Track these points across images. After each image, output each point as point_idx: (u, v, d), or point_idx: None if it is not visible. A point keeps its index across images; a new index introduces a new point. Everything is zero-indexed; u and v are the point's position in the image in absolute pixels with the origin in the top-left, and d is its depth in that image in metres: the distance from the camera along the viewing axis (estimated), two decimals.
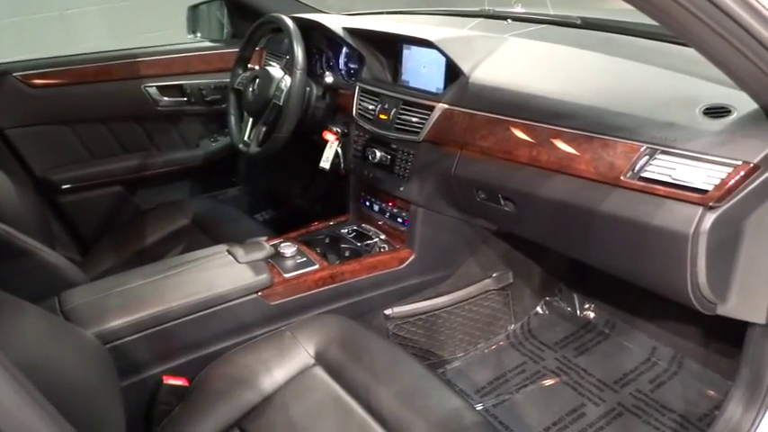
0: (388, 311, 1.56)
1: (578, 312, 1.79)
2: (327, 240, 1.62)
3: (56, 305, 1.22)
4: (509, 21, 1.70)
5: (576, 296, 1.81)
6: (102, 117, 1.98)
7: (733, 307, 1.12)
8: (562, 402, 1.52)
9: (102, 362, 1.08)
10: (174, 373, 1.26)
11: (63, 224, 1.99)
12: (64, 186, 1.95)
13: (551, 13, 1.65)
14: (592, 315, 1.78)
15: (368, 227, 1.69)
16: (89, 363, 1.04)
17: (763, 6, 0.79)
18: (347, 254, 1.56)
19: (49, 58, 1.90)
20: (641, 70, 1.21)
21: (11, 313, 0.93)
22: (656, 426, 1.43)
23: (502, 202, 1.31)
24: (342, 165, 1.71)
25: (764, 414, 1.15)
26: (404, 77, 1.60)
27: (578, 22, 1.56)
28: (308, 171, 2.15)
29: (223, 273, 1.35)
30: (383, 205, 1.65)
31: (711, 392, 1.49)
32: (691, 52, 0.88)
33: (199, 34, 2.27)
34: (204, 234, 1.78)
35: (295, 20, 1.69)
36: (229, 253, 1.41)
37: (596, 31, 1.49)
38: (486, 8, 1.80)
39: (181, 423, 1.15)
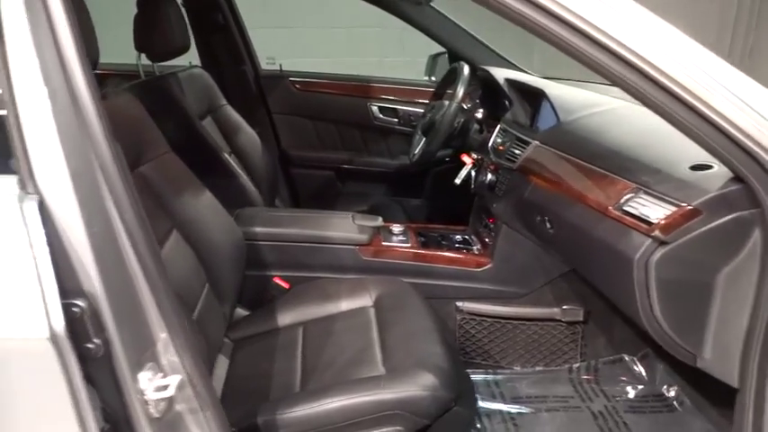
0: (459, 304, 1.86)
1: (653, 381, 1.79)
2: (438, 237, 2.00)
3: (234, 212, 1.88)
4: None
5: (660, 367, 1.80)
6: (334, 119, 2.71)
7: (710, 362, 1.18)
8: None
9: (238, 248, 1.67)
10: (283, 279, 1.80)
11: (288, 186, 2.75)
12: (296, 161, 2.73)
13: None
14: (668, 389, 1.76)
15: (475, 238, 2.02)
16: (230, 244, 1.64)
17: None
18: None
19: (310, 72, 2.71)
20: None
21: (193, 192, 1.58)
22: None
23: (548, 225, 1.53)
24: (473, 185, 2.07)
25: None
26: (538, 124, 1.91)
27: None
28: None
29: (338, 225, 1.86)
30: (488, 221, 1.96)
31: None
32: None
33: (433, 78, 2.86)
34: None
35: (473, 68, 2.13)
36: (352, 217, 1.91)
37: None
38: None
39: (273, 310, 1.67)
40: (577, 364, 1.86)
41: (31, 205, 0.79)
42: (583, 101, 1.73)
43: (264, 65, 2.76)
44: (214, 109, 2.25)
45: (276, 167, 2.56)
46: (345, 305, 1.65)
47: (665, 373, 1.79)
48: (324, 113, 2.72)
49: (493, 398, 1.76)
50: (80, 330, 0.80)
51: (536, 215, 1.59)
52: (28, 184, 0.80)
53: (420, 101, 2.70)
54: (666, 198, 1.11)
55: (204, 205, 1.59)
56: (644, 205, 1.16)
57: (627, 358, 1.86)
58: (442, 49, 2.69)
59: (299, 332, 1.58)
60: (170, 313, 0.94)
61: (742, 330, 1.10)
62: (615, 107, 1.66)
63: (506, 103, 2.11)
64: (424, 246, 1.91)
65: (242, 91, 2.57)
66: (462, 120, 2.10)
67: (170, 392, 0.92)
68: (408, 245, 1.86)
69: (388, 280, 1.71)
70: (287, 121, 2.72)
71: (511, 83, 2.03)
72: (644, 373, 1.82)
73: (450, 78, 2.30)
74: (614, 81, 1.01)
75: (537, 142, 1.67)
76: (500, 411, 1.70)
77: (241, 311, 1.77)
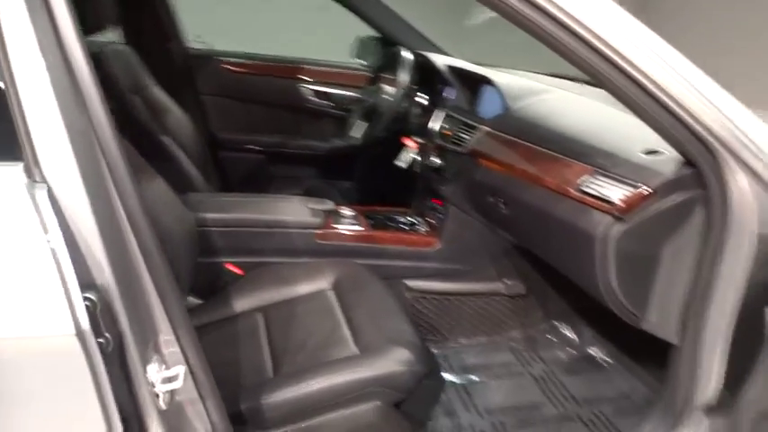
0: (408, 282, 1.93)
1: (583, 345, 1.97)
2: (382, 219, 2.05)
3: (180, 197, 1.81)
4: (582, 84, 2.03)
5: (585, 330, 1.99)
6: (265, 101, 2.66)
7: (653, 324, 1.33)
8: (527, 396, 1.75)
9: (191, 234, 1.62)
10: (236, 265, 1.77)
11: (218, 170, 2.67)
12: (225, 145, 2.65)
13: None
14: (594, 350, 1.95)
15: (420, 219, 2.09)
16: (184, 231, 1.58)
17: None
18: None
19: (241, 53, 2.64)
20: (628, 119, 1.47)
21: (146, 178, 1.51)
22: None
23: (501, 205, 1.64)
24: (416, 167, 2.14)
25: None
26: (478, 108, 2.00)
27: None
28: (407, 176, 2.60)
29: (290, 209, 1.86)
30: (433, 203, 2.04)
31: None
32: None
33: (361, 61, 2.87)
34: None
35: (414, 55, 2.18)
36: (301, 200, 1.91)
37: None
38: (568, 73, 2.14)
39: (228, 297, 1.65)
40: (516, 334, 2.01)
41: (42, 194, 0.74)
42: (528, 88, 1.84)
43: (192, 43, 2.63)
44: (141, 88, 2.13)
45: (202, 149, 2.47)
46: (303, 289, 1.66)
47: (592, 337, 1.98)
48: (255, 95, 2.66)
49: (443, 370, 1.86)
50: (92, 325, 0.77)
51: (488, 196, 1.69)
52: (34, 171, 0.75)
53: (351, 84, 2.71)
54: (625, 180, 1.24)
55: (157, 191, 1.53)
56: (603, 186, 1.28)
57: (559, 325, 2.03)
58: (369, 33, 2.71)
59: (260, 318, 1.57)
60: (173, 303, 0.92)
61: (682, 296, 1.26)
62: (558, 95, 1.79)
63: (443, 88, 2.19)
64: (374, 228, 1.95)
65: (168, 70, 2.44)
66: (406, 104, 2.15)
67: (179, 383, 0.91)
68: (360, 227, 1.90)
69: (342, 262, 1.74)
70: (216, 102, 2.62)
71: (452, 69, 2.11)
72: (575, 339, 2.00)
73: (389, 63, 2.34)
74: (585, 69, 1.10)
75: (486, 128, 1.76)
76: (453, 382, 1.81)
77: (193, 300, 1.72)
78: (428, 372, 1.37)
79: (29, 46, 0.75)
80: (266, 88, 2.66)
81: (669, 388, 1.33)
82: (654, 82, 1.05)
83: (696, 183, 1.16)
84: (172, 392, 0.93)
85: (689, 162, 1.16)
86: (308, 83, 2.66)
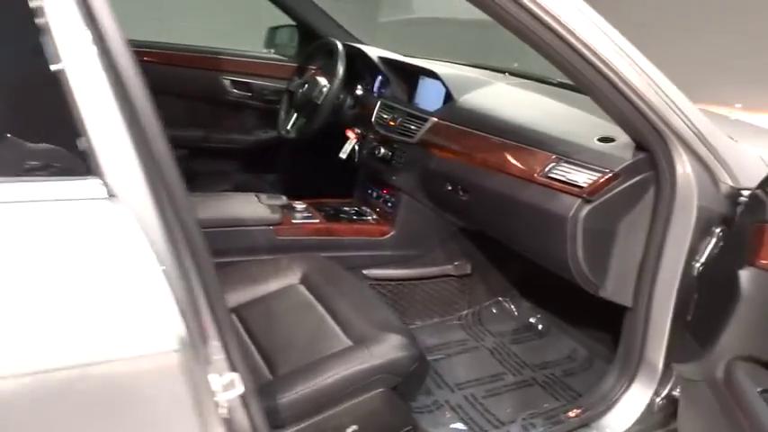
0: (366, 271, 1.98)
1: (523, 315, 2.16)
2: (331, 211, 2.08)
3: None
4: (507, 74, 2.19)
5: (524, 303, 2.18)
6: (181, 93, 2.52)
7: (610, 291, 1.50)
8: (488, 368, 1.89)
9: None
10: None
11: None
12: None
13: (536, 73, 2.12)
14: (533, 319, 2.15)
15: (366, 209, 2.15)
16: None
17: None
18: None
19: (152, 42, 2.49)
20: (572, 110, 1.65)
21: None
22: (556, 397, 1.78)
23: (460, 192, 1.74)
24: (356, 158, 2.18)
25: (630, 384, 1.51)
26: (416, 99, 2.09)
27: (554, 81, 2.02)
28: (336, 166, 2.63)
29: (247, 206, 1.82)
30: (380, 192, 2.11)
31: None
32: None
33: (273, 51, 2.82)
34: None
35: (344, 45, 2.21)
36: (256, 196, 1.88)
37: (561, 89, 1.94)
38: (493, 64, 2.29)
39: None
40: (465, 312, 2.14)
41: (124, 208, 0.72)
42: (471, 80, 1.95)
43: None
44: None
45: None
46: (272, 286, 1.64)
47: (529, 308, 2.18)
48: (170, 87, 2.50)
49: None
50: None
51: (446, 185, 1.78)
52: (109, 185, 0.72)
53: (270, 75, 2.66)
54: (589, 165, 1.39)
55: None
56: (569, 172, 1.42)
57: (501, 300, 2.20)
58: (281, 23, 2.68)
59: (234, 319, 1.54)
60: (220, 309, 0.91)
61: (636, 264, 1.45)
62: (500, 86, 1.93)
63: (375, 80, 2.25)
64: (328, 220, 1.97)
65: None
66: (342, 96, 2.18)
67: (239, 390, 0.91)
68: (316, 220, 1.91)
69: (307, 257, 1.74)
70: None
71: (385, 61, 2.17)
72: (515, 311, 2.19)
73: (317, 54, 2.34)
74: (563, 66, 1.21)
75: (435, 118, 1.85)
76: None
77: None
78: (420, 353, 1.44)
79: (84, 50, 0.72)
80: (181, 80, 2.52)
81: (624, 346, 1.53)
82: (622, 78, 1.20)
83: (649, 165, 1.35)
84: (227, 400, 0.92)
85: (640, 147, 1.35)
86: (226, 74, 2.57)
